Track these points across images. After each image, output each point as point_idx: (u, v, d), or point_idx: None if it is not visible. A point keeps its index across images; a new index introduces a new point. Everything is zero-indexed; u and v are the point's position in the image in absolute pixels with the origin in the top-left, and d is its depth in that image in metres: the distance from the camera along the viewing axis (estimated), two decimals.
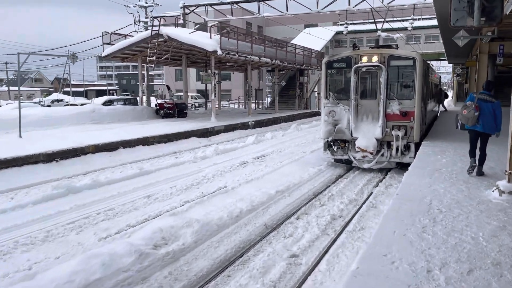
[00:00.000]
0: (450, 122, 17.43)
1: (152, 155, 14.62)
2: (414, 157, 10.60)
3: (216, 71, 28.66)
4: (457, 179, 7.48)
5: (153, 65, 23.41)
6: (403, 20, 36.22)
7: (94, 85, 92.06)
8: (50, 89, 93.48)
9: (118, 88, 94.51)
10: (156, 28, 21.94)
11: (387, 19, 42.07)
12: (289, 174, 11.43)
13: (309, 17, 54.46)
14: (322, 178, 11.27)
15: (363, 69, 11.69)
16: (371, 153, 11.63)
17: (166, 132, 17.68)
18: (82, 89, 67.01)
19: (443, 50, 29.45)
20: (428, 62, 34.88)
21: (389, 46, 12.71)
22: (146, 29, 23.10)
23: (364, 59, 11.70)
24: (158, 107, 25.13)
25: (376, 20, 31.26)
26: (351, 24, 48.59)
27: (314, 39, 44.86)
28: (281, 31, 57.43)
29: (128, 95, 70.28)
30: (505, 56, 13.43)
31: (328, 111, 12.34)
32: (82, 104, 30.43)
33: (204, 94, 55.62)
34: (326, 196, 9.44)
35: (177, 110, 25.05)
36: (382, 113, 11.53)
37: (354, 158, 12.13)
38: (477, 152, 7.82)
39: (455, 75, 35.62)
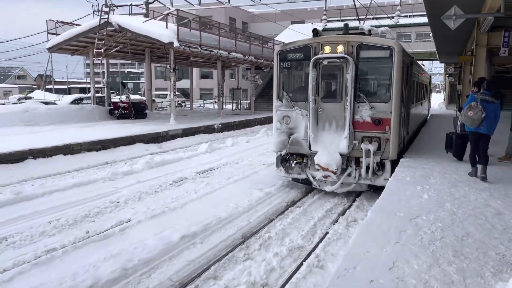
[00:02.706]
0: (440, 129, 14.68)
1: (68, 168, 11.68)
2: (390, 177, 7.87)
3: (176, 66, 25.70)
4: (443, 246, 4.30)
5: (101, 58, 20.42)
6: (391, 17, 33.48)
7: (79, 83, 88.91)
8: (34, 86, 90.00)
9: (103, 85, 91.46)
10: (105, 16, 18.96)
11: (376, 16, 39.49)
12: (226, 199, 8.61)
13: (297, 13, 51.74)
14: (266, 207, 8.43)
15: (325, 62, 8.89)
16: (334, 173, 8.83)
17: (102, 137, 14.77)
18: (66, 87, 64.18)
19: (435, 49, 26.78)
20: (419, 61, 32.23)
21: (362, 34, 9.88)
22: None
23: (327, 48, 8.89)
24: (112, 107, 22.18)
25: (360, 17, 28.56)
26: (337, 20, 45.84)
27: (300, 36, 42.01)
28: (266, 27, 54.63)
29: (113, 92, 67.83)
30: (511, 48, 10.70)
31: (281, 116, 9.53)
32: (49, 103, 27.12)
33: (184, 93, 52.81)
34: (260, 240, 6.61)
35: (135, 110, 22.11)
36: (349, 120, 8.74)
37: (314, 178, 9.33)
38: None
39: (447, 75, 32.95)
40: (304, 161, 9.51)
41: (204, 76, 56.46)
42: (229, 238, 6.61)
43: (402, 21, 42.18)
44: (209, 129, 20.97)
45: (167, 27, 18.66)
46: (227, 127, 22.78)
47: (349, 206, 8.62)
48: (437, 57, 32.37)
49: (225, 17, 51.56)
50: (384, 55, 8.56)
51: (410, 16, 43.60)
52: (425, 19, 34.17)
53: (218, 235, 6.67)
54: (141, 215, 7.59)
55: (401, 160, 8.81)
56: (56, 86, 64.46)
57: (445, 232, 4.54)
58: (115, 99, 24.35)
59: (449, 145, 9.41)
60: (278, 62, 9.43)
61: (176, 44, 18.23)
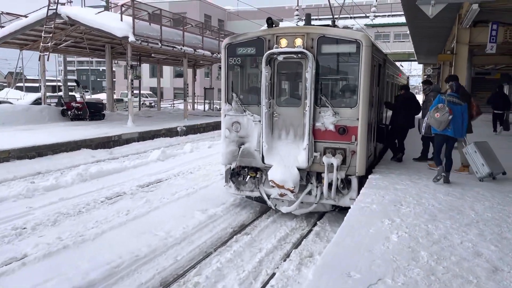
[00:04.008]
0: (417, 134, 13.36)
1: None
2: (357, 196, 6.44)
3: (139, 63, 23.94)
4: None
5: (48, 54, 18.46)
6: (368, 16, 32.32)
7: (52, 81, 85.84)
8: (4, 84, 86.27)
9: (76, 85, 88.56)
10: (54, 7, 17.04)
11: (353, 15, 38.34)
12: (158, 225, 7.03)
13: (275, 11, 50.31)
14: (206, 235, 6.84)
15: (280, 58, 7.37)
16: (292, 191, 7.32)
17: (39, 142, 12.92)
18: (37, 85, 61.53)
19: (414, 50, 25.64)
20: (397, 62, 31.19)
21: (327, 25, 8.39)
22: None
23: (283, 42, 7.37)
24: (65, 107, 20.21)
25: (336, 16, 27.16)
26: (315, 19, 44.57)
27: None
28: (243, 26, 53.02)
29: (87, 91, 65.83)
30: (499, 45, 9.35)
31: (230, 122, 7.97)
32: (2, 102, 24.76)
33: (156, 92, 50.72)
34: None
35: (91, 111, 20.18)
36: (309, 128, 7.25)
37: (269, 196, 7.81)
38: None
39: (425, 76, 32.03)
40: (258, 176, 7.98)
41: (179, 75, 54.38)
42: None
43: (380, 20, 41.25)
44: (171, 132, 19.26)
45: (122, 20, 16.87)
46: (192, 129, 21.12)
47: (308, 232, 7.13)
48: (416, 58, 31.38)
49: (200, 14, 49.72)
50: (349, 50, 7.09)
51: (388, 15, 42.71)
52: (403, 19, 33.23)
53: (125, 283, 5.05)
54: (42, 250, 5.93)
55: (369, 177, 7.35)
56: (27, 84, 61.66)
57: None
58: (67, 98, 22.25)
59: (380, 139, 9.10)
60: (226, 58, 7.86)
61: (131, 38, 16.47)
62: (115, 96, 52.09)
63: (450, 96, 7.14)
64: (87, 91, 54.45)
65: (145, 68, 54.39)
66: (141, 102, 42.23)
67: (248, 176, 8.04)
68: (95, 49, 23.25)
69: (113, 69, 30.47)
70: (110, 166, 11.55)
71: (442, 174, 7.17)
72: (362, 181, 7.41)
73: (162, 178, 11.01)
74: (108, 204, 8.60)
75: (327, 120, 7.24)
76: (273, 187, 7.51)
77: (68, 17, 17.08)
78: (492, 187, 6.85)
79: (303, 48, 7.18)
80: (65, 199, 8.64)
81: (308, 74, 7.09)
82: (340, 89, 7.59)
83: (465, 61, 10.33)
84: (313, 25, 7.99)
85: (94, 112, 20.53)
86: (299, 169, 7.36)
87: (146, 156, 13.60)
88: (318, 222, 7.51)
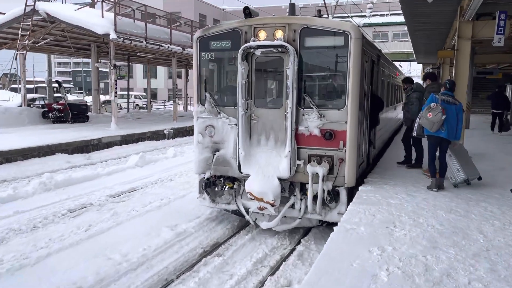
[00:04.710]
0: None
1: None
2: (346, 210, 5.53)
3: (122, 63, 22.97)
4: None
5: (25, 52, 17.52)
6: (364, 14, 31.42)
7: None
8: None
9: (72, 86, 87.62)
10: (32, 3, 16.12)
11: (351, 14, 37.50)
12: (116, 245, 6.10)
13: (272, 11, 49.43)
14: (170, 257, 5.87)
15: (258, 53, 6.44)
16: (272, 204, 6.39)
17: (7, 147, 11.98)
18: (32, 86, 60.70)
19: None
20: (396, 62, 30.22)
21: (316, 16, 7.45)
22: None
23: (261, 34, 6.46)
24: (46, 109, 19.28)
25: (334, 15, 26.38)
26: None
27: None
28: None
29: (82, 93, 65.23)
30: (508, 38, 8.35)
31: (203, 126, 7.05)
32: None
33: (152, 93, 49.76)
34: None
35: (73, 113, 19.23)
36: (291, 132, 6.32)
37: (247, 209, 6.88)
38: None
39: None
40: (235, 186, 7.05)
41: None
42: None
43: (379, 20, 40.37)
44: (157, 135, 18.32)
45: (102, 16, 15.95)
46: (181, 132, 20.16)
47: (290, 252, 6.20)
48: (415, 58, 30.46)
49: (195, 13, 48.79)
50: (336, 42, 6.17)
51: (386, 15, 41.83)
52: (402, 18, 32.35)
53: None
54: None
55: (360, 189, 6.41)
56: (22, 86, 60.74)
57: None
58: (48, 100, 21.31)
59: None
60: (199, 53, 6.93)
61: (113, 35, 15.54)
62: (106, 98, 51.31)
63: (444, 94, 6.61)
64: (68, 92, 53.48)
65: (139, 68, 53.46)
66: (135, 104, 41.49)
67: (225, 187, 7.12)
68: (80, 48, 22.32)
69: (105, 69, 29.50)
70: (81, 173, 10.61)
71: (440, 185, 6.64)
72: (352, 192, 6.49)
73: (138, 186, 10.09)
74: (70, 218, 7.67)
75: (312, 123, 6.31)
76: (252, 199, 6.59)
77: (47, 13, 16.16)
78: (502, 201, 5.92)
79: (284, 41, 6.26)
80: (20, 212, 7.71)
81: (290, 70, 6.16)
82: (326, 88, 6.66)
83: (467, 58, 9.41)
84: (297, 15, 7.08)
85: (78, 114, 19.59)
86: (280, 180, 6.44)
87: (125, 162, 12.65)
88: (302, 240, 6.57)
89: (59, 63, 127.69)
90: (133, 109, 38.76)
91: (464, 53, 9.40)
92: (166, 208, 8.04)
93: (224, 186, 7.11)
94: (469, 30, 9.15)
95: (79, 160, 13.23)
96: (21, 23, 16.37)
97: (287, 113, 6.30)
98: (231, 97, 6.85)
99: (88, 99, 36.82)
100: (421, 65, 34.98)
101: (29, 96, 32.62)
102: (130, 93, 52.99)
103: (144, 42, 17.42)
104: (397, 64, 30.10)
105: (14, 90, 50.66)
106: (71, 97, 40.66)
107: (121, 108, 31.62)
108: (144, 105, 37.63)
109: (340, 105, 6.24)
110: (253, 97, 6.65)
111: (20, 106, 22.11)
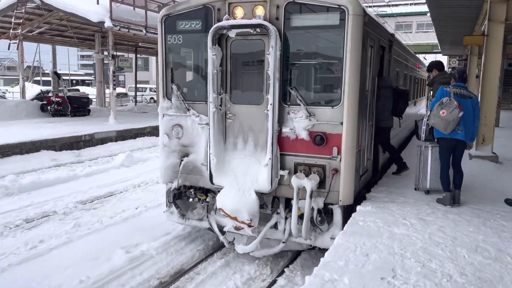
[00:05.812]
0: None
1: None
2: (341, 231, 4.21)
3: (120, 54, 21.92)
4: None
5: (17, 42, 16.67)
6: (388, 4, 29.51)
7: (71, 75, 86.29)
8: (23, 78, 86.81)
9: (93, 78, 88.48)
10: None
11: (373, 4, 35.53)
12: (47, 275, 4.98)
13: None
14: None
15: (233, 35, 5.13)
16: (249, 225, 5.11)
17: None
18: (42, 78, 61.16)
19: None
20: (420, 55, 28.24)
21: None
22: None
23: (238, 12, 5.14)
24: (45, 102, 18.48)
25: None
26: None
27: None
28: None
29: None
30: None
31: (169, 125, 5.83)
32: None
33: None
34: None
35: (74, 106, 18.38)
36: (272, 135, 5.00)
37: (221, 229, 5.62)
38: None
39: (450, 69, 29.02)
40: (208, 199, 5.80)
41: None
42: None
43: (402, 9, 38.20)
44: (158, 131, 17.20)
45: (98, 3, 14.89)
46: None
47: (270, 286, 4.92)
48: (440, 49, 28.40)
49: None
50: (330, 21, 4.80)
51: (410, 4, 39.57)
52: (426, 7, 30.26)
53: None
54: None
55: (357, 209, 5.02)
56: (44, 78, 61.45)
57: None
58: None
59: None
60: (164, 35, 5.66)
61: (108, 23, 14.49)
62: (124, 90, 50.71)
63: (456, 87, 5.38)
64: (89, 85, 53.18)
65: (152, 60, 52.59)
66: (149, 97, 40.78)
67: (197, 199, 5.88)
68: (84, 38, 21.44)
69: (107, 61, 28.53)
70: (53, 175, 9.56)
71: (455, 200, 5.50)
72: (350, 211, 5.15)
73: (116, 190, 8.99)
74: (23, 230, 6.63)
75: (299, 124, 4.98)
76: (226, 216, 5.32)
77: (41, 0, 15.20)
78: None
79: (265, 19, 4.93)
80: None
81: (271, 56, 4.84)
82: (317, 80, 5.30)
83: (499, 45, 7.82)
84: None
85: (78, 107, 18.74)
86: (260, 193, 5.15)
87: (107, 161, 11.59)
88: (286, 269, 5.27)
89: (82, 56, 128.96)
90: (147, 102, 38.06)
91: (496, 39, 7.82)
92: (134, 221, 6.87)
93: (196, 198, 5.89)
94: (503, 12, 7.57)
95: (66, 157, 12.26)
96: (15, 11, 15.47)
97: (268, 110, 4.99)
98: (202, 91, 5.57)
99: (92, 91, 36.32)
100: (446, 57, 32.79)
101: (43, 88, 32.33)
102: (146, 86, 52.37)
103: (144, 31, 16.30)
104: (421, 56, 28.18)
105: (37, 82, 51.12)
106: (89, 90, 40.31)
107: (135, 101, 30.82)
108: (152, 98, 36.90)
109: (335, 102, 4.88)
110: (228, 91, 5.36)
111: (37, 98, 21.42)
